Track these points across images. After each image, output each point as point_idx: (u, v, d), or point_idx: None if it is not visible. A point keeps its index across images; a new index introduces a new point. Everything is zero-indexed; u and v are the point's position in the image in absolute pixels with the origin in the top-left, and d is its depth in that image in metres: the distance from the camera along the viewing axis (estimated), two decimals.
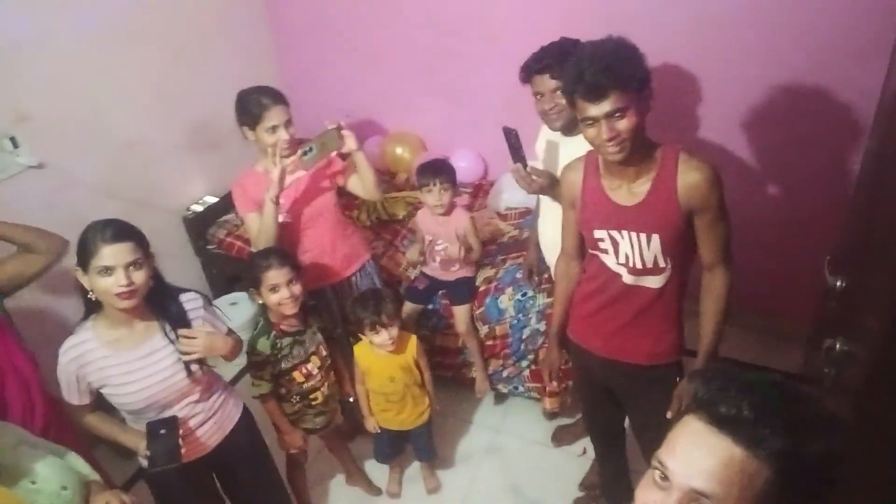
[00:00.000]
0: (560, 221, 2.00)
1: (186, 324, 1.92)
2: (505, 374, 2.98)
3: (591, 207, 1.80)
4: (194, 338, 1.89)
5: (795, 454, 0.76)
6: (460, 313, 2.85)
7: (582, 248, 1.94)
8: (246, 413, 2.19)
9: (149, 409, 1.89)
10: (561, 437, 2.95)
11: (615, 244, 1.77)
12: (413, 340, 2.52)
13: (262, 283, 2.20)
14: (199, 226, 3.59)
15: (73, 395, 1.86)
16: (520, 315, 2.80)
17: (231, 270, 3.66)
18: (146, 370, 1.84)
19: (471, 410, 3.17)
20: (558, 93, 1.97)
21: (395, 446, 2.77)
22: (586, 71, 1.53)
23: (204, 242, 3.60)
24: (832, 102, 2.67)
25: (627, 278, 1.81)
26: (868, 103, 2.47)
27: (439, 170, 2.66)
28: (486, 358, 2.96)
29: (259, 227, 2.42)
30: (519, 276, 2.86)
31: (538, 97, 2.12)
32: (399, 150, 3.78)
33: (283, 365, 2.29)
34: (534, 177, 2.07)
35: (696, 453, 0.80)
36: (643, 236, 1.71)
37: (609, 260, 1.82)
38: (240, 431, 2.12)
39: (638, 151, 1.63)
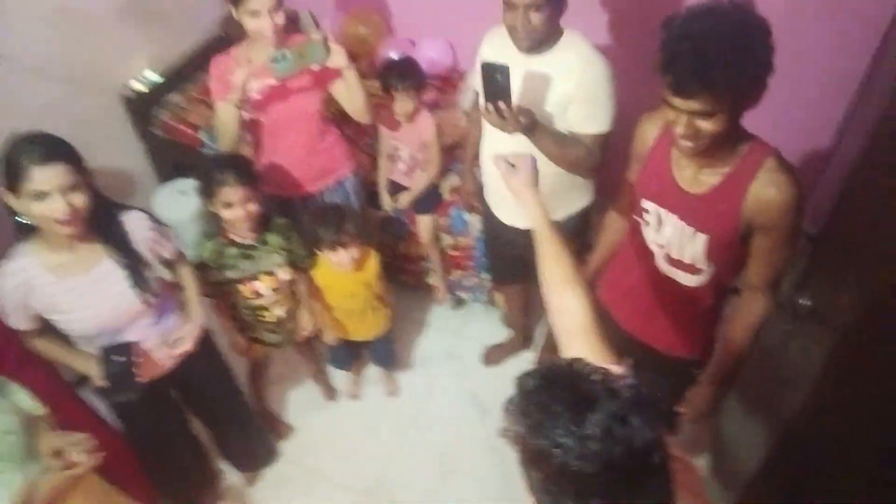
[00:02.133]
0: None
1: (130, 246, 1.79)
2: (466, 283, 2.97)
3: (650, 174, 1.61)
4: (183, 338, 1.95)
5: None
6: (423, 223, 2.75)
7: (634, 203, 1.73)
8: (205, 333, 2.12)
9: (100, 335, 1.80)
10: (492, 356, 2.96)
11: (660, 223, 1.61)
12: (373, 257, 2.44)
13: (215, 196, 2.04)
14: (142, 107, 3.26)
15: (19, 321, 1.75)
16: None
17: (178, 157, 3.40)
18: (95, 296, 1.74)
19: (430, 314, 3.17)
20: (535, 9, 1.73)
21: (352, 354, 2.78)
22: (680, 59, 1.26)
23: (147, 125, 3.31)
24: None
25: (661, 263, 1.67)
26: None
27: (404, 73, 2.43)
28: (448, 268, 2.92)
29: (216, 124, 2.20)
30: None
31: (508, 6, 1.78)
32: (362, 31, 3.45)
33: (228, 274, 2.18)
34: (520, 118, 1.75)
35: None
36: (690, 230, 1.54)
37: (649, 234, 1.66)
38: (198, 351, 2.07)
39: (719, 147, 1.41)
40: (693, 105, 1.31)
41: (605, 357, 1.10)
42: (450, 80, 3.30)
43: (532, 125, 1.80)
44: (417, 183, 2.68)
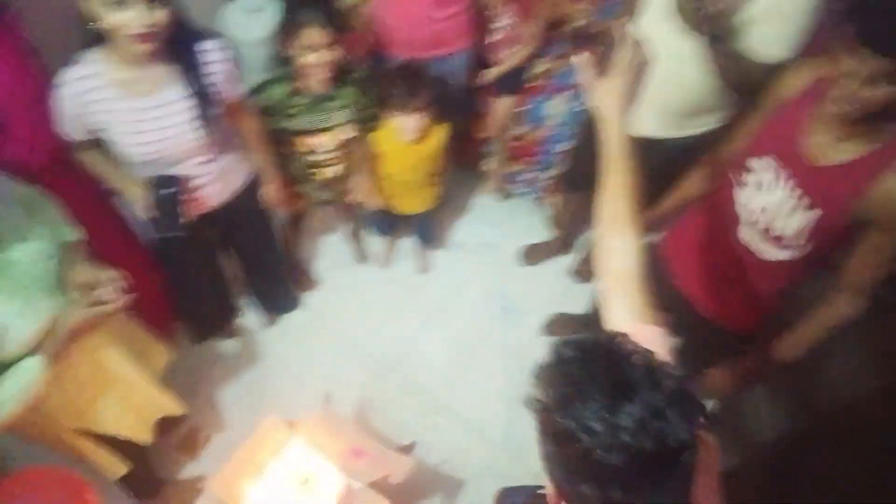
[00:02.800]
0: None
1: (202, 76, 1.60)
2: (523, 177, 2.79)
3: (775, 129, 1.42)
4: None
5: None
6: (501, 105, 2.52)
7: (736, 159, 1.54)
8: (253, 177, 2.00)
9: (153, 163, 1.67)
10: (531, 255, 2.84)
11: (765, 186, 1.43)
12: (441, 132, 2.26)
13: (296, 37, 1.81)
14: None
15: (74, 130, 1.62)
16: (565, 126, 2.50)
17: None
18: (158, 122, 1.60)
19: (476, 200, 3.03)
20: None
21: (395, 225, 2.67)
22: (887, 7, 1.10)
23: None
24: None
25: (746, 231, 1.51)
26: None
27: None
28: (509, 158, 2.73)
29: None
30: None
31: None
32: None
33: (288, 124, 2.01)
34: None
35: None
36: (804, 201, 1.37)
37: (742, 196, 1.49)
38: (244, 195, 1.97)
39: (873, 120, 1.23)
40: (880, 65, 1.13)
41: (643, 312, 1.02)
42: None
43: (726, 31, 1.56)
44: (511, 58, 2.38)
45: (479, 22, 2.31)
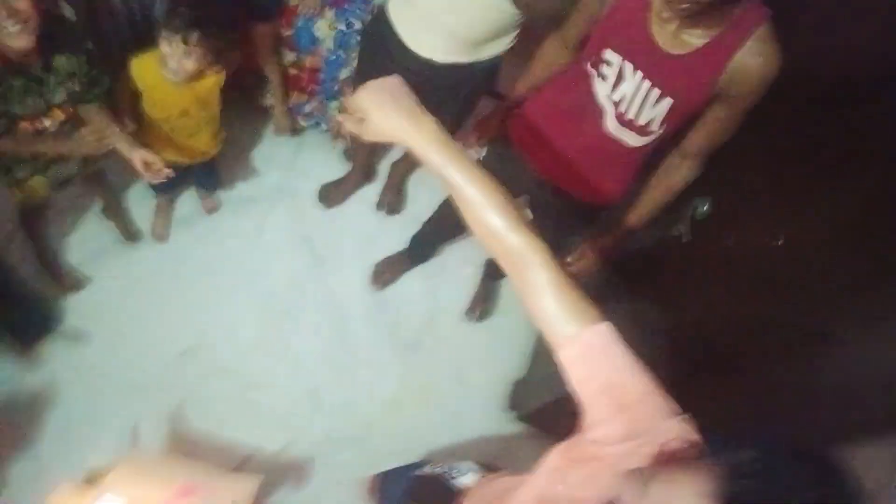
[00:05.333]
0: None
1: None
2: (307, 109, 2.46)
3: (620, 21, 1.38)
4: None
5: None
6: (261, 32, 2.13)
7: (581, 43, 1.50)
8: None
9: None
10: (331, 195, 2.59)
11: (620, 79, 1.40)
12: (218, 73, 1.92)
13: None
14: None
15: None
16: (339, 52, 2.19)
17: None
18: None
19: (261, 142, 2.65)
20: None
21: (172, 182, 2.21)
22: None
23: None
24: None
25: (609, 123, 1.49)
26: None
27: None
28: (288, 89, 2.37)
29: None
30: None
31: None
32: None
33: (7, 108, 1.54)
34: None
35: None
36: (656, 92, 1.37)
37: (601, 90, 1.45)
38: None
39: (714, 8, 1.23)
40: None
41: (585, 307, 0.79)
42: None
43: None
44: None
45: None
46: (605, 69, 1.44)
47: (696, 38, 1.31)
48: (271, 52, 2.20)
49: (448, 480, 1.29)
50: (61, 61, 1.58)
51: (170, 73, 1.80)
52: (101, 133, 1.68)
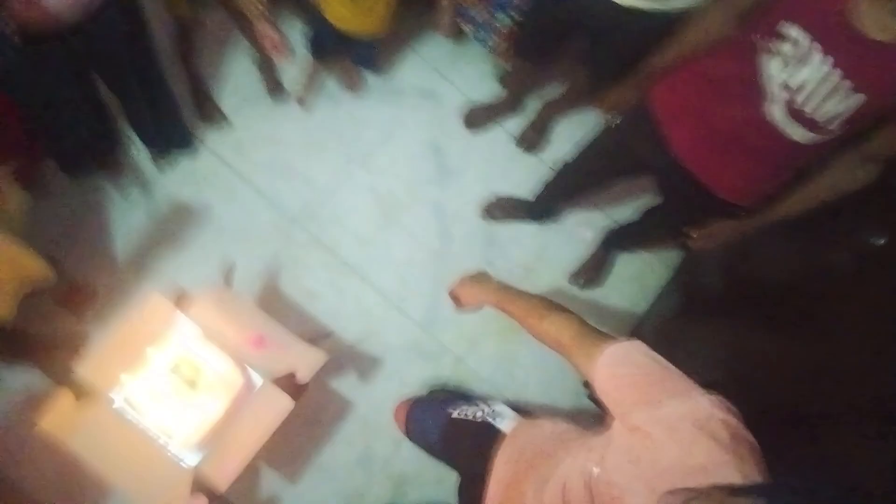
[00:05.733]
0: None
1: None
2: (476, 15, 2.34)
3: None
4: None
5: None
6: None
7: (754, 10, 1.26)
8: None
9: None
10: (475, 117, 2.48)
11: (802, 62, 1.16)
12: None
13: None
14: None
15: None
16: None
17: None
18: None
19: (421, 37, 2.56)
20: None
21: (335, 45, 2.18)
22: None
23: None
24: None
25: (776, 112, 1.25)
26: None
27: None
28: None
29: None
30: None
31: None
32: None
33: None
34: None
35: None
36: (847, 84, 1.12)
37: (773, 68, 1.22)
38: (111, 15, 1.47)
39: None
40: None
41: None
42: None
43: None
44: None
45: None
46: (782, 46, 1.19)
47: None
48: None
49: (490, 423, 1.28)
50: None
51: None
52: None
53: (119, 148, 2.14)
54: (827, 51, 1.14)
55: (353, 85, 2.44)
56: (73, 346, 1.91)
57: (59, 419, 1.44)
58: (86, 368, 1.48)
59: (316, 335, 1.79)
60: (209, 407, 1.44)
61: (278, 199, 2.27)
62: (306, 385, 1.57)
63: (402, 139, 2.44)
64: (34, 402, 1.82)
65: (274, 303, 2.13)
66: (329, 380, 2.09)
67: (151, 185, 2.19)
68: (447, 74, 2.55)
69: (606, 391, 0.87)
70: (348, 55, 2.35)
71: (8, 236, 1.43)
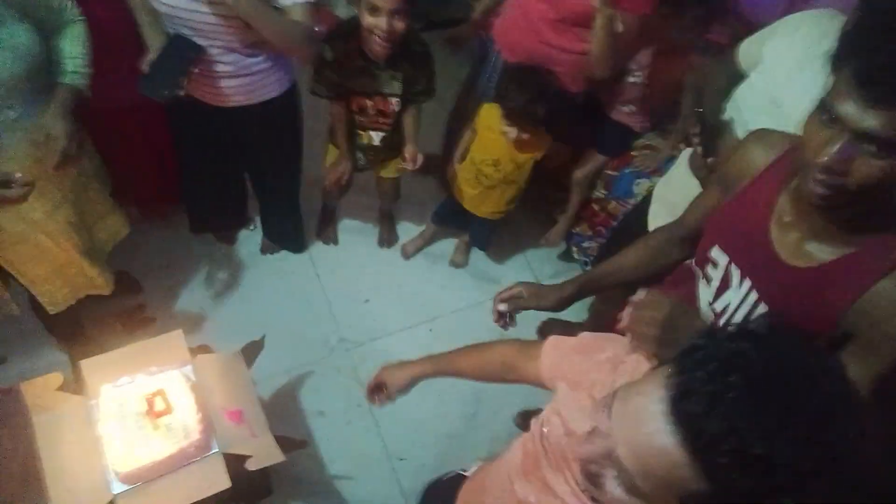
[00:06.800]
0: None
1: None
2: (585, 244, 2.51)
3: (738, 218, 1.13)
4: None
5: None
6: (590, 161, 2.27)
7: (695, 239, 1.27)
8: (289, 98, 1.89)
9: (172, 21, 1.58)
10: (546, 332, 2.49)
11: (725, 284, 1.15)
12: (543, 149, 2.13)
13: None
14: None
15: None
16: None
17: None
18: None
19: (536, 247, 2.77)
20: None
21: (455, 219, 2.49)
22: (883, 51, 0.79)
23: None
24: None
25: None
26: None
27: None
28: (579, 219, 2.46)
29: None
30: None
31: None
32: None
33: (346, 83, 1.93)
34: None
35: None
36: (762, 308, 1.09)
37: (704, 295, 1.21)
38: (272, 110, 1.85)
39: (857, 210, 0.93)
40: (874, 121, 0.81)
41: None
42: None
43: None
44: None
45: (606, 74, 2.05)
46: (710, 270, 1.18)
47: (821, 253, 1.00)
48: (587, 177, 2.31)
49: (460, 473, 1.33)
50: (401, 67, 1.89)
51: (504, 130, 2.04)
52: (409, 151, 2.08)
53: (240, 224, 2.49)
54: (745, 273, 1.11)
55: (458, 259, 2.66)
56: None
57: (38, 392, 1.56)
58: (86, 362, 1.62)
59: (290, 441, 1.81)
60: (157, 446, 1.49)
61: (342, 317, 2.43)
62: (252, 473, 1.57)
63: (474, 319, 2.53)
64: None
65: (281, 396, 2.20)
66: (284, 486, 2.04)
67: (250, 258, 2.49)
68: (542, 282, 2.67)
69: (556, 364, 1.04)
70: (466, 231, 2.60)
71: (84, 247, 1.70)
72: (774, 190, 1.07)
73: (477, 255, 2.70)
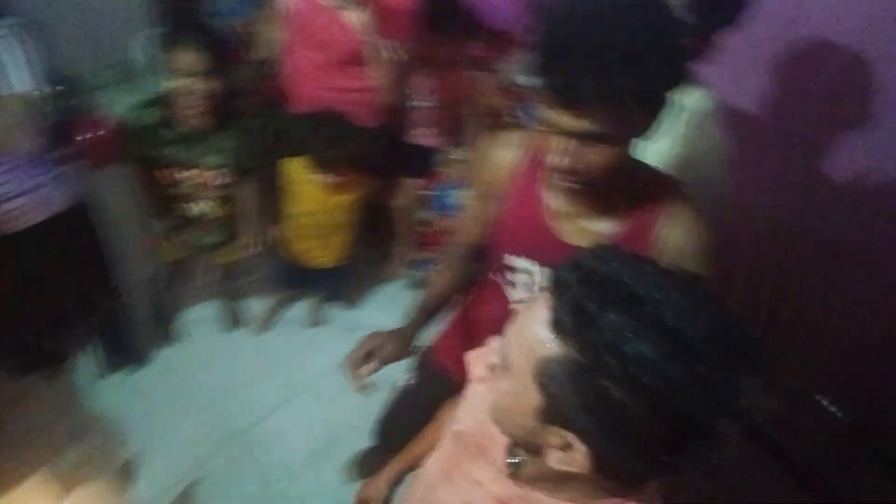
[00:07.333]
0: None
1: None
2: (431, 266, 2.61)
3: (516, 220, 1.19)
4: None
5: None
6: (403, 188, 2.39)
7: (480, 254, 1.33)
8: (77, 209, 1.82)
9: None
10: None
11: (531, 281, 1.22)
12: (366, 185, 2.19)
13: (168, 60, 1.71)
14: None
15: None
16: None
17: None
18: None
19: (382, 282, 2.82)
20: None
21: (297, 281, 2.46)
22: (572, 59, 0.87)
23: None
24: None
25: None
26: None
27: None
28: (415, 244, 2.56)
29: None
30: None
31: None
32: None
33: (154, 153, 1.87)
34: None
35: None
36: None
37: (516, 294, 1.27)
38: (62, 223, 1.77)
39: (609, 183, 1.03)
40: (582, 123, 0.92)
41: None
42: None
43: None
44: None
45: (394, 102, 2.20)
46: (512, 276, 1.25)
47: (604, 226, 1.11)
48: (407, 203, 2.44)
49: None
50: (228, 135, 1.88)
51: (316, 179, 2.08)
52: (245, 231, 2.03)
53: (59, 356, 2.30)
54: (546, 266, 1.17)
55: (313, 319, 2.64)
56: None
57: None
58: None
59: None
60: None
61: (220, 409, 2.32)
62: None
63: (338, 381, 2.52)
64: None
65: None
66: None
67: (90, 385, 2.31)
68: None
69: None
70: (319, 291, 2.59)
71: None
72: (536, 188, 1.15)
73: (335, 307, 2.70)
